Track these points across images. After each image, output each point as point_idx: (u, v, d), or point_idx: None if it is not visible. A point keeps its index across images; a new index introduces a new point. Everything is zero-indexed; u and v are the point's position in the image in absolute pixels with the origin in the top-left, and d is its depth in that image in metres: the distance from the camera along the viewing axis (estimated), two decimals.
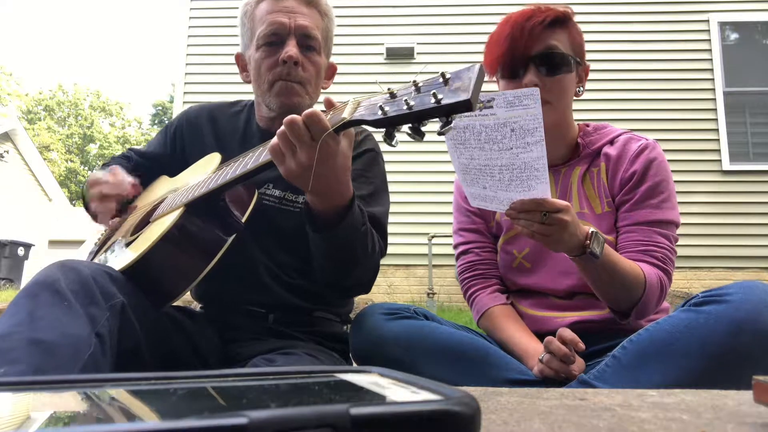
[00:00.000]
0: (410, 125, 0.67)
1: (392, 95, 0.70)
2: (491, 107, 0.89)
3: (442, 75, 0.65)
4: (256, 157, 0.93)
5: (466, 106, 0.61)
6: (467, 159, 0.99)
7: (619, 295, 1.08)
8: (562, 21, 1.16)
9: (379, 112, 0.69)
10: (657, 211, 1.14)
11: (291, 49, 1.14)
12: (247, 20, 1.22)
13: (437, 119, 0.65)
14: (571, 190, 1.22)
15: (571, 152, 1.25)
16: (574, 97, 1.21)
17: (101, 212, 1.20)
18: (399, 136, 0.70)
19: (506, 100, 0.89)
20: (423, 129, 0.67)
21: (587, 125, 1.27)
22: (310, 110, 0.80)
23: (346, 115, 0.77)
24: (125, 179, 1.21)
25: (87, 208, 1.25)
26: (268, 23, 1.16)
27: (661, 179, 1.15)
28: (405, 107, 0.66)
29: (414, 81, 0.67)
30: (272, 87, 1.18)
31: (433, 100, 0.63)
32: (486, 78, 1.20)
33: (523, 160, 0.92)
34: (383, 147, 1.11)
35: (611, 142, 1.22)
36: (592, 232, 1.00)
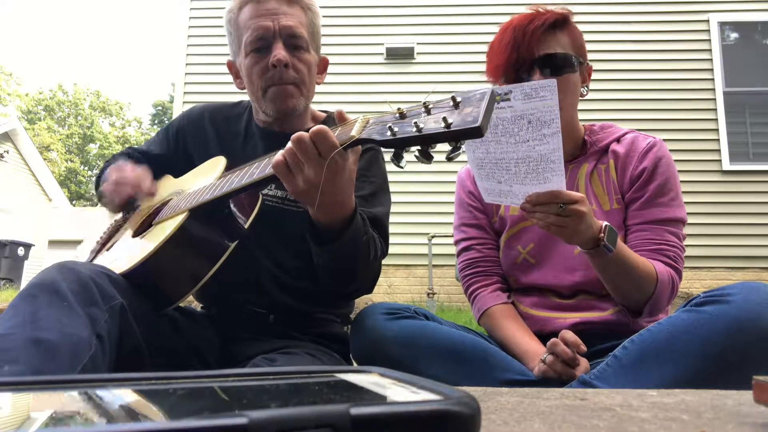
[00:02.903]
0: (419, 148, 0.67)
1: (402, 115, 0.69)
2: (508, 99, 0.89)
3: (453, 98, 0.64)
4: (263, 167, 0.92)
5: (475, 134, 0.61)
6: (483, 153, 0.99)
7: (631, 290, 1.08)
8: (561, 23, 1.17)
9: (388, 133, 0.68)
10: (667, 209, 1.15)
11: (279, 52, 1.13)
12: (232, 28, 1.21)
13: (446, 143, 0.65)
14: (578, 186, 1.22)
15: (578, 150, 1.25)
16: (579, 98, 1.21)
17: (112, 197, 1.18)
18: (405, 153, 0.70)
19: (524, 92, 0.89)
20: (431, 152, 0.67)
21: (593, 125, 1.28)
22: (317, 128, 0.79)
23: (354, 133, 0.76)
24: (146, 179, 1.18)
25: (100, 191, 1.23)
26: (253, 29, 1.14)
27: (668, 177, 1.17)
28: (414, 129, 0.65)
29: (424, 102, 0.67)
30: (266, 93, 1.17)
31: (442, 125, 0.62)
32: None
33: (539, 152, 0.93)
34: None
35: (618, 140, 1.23)
36: (606, 225, 1.01)
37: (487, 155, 0.99)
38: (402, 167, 0.69)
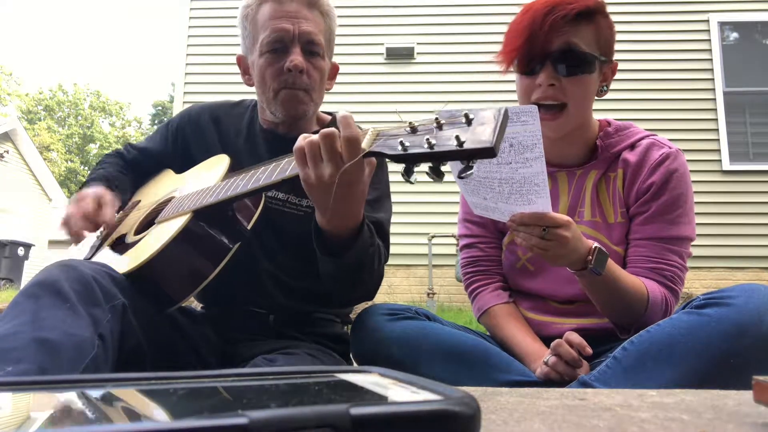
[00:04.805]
0: (430, 165, 0.65)
1: (413, 129, 0.68)
2: None
3: (465, 115, 0.63)
4: (269, 173, 0.92)
5: (488, 154, 0.59)
6: None
7: (619, 311, 1.07)
8: (588, 14, 1.07)
9: (399, 148, 0.66)
10: (671, 227, 1.10)
11: (296, 57, 1.13)
12: (248, 24, 1.20)
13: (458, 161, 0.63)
14: (584, 195, 1.18)
15: (589, 154, 1.20)
16: (596, 97, 1.15)
17: (72, 230, 1.07)
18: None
19: None
20: (442, 169, 0.65)
21: (609, 124, 1.21)
22: (350, 134, 0.76)
23: (364, 145, 0.74)
24: (106, 214, 1.09)
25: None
26: (272, 29, 1.13)
27: (679, 193, 1.10)
28: (426, 146, 0.63)
29: (436, 117, 0.65)
30: (277, 95, 1.16)
31: (455, 143, 0.61)
32: (501, 69, 1.15)
33: (522, 174, 0.92)
34: None
35: (632, 147, 1.16)
36: (595, 248, 0.98)
37: None
38: (412, 182, 0.67)
